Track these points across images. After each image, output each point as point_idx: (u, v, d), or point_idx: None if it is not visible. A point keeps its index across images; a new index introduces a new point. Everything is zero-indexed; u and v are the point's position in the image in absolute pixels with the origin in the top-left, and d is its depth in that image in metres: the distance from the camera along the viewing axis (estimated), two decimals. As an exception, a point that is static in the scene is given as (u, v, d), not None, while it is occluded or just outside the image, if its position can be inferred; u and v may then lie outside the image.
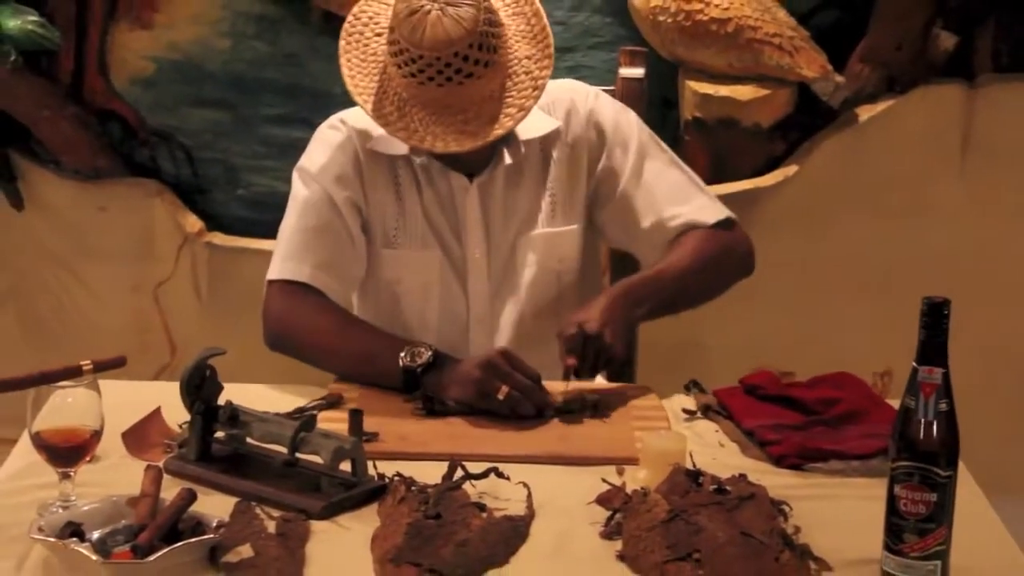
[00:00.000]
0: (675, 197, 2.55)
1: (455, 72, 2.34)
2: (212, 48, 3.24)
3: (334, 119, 2.62)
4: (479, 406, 2.30)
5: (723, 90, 3.14)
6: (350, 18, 2.49)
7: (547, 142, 2.57)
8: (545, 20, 2.45)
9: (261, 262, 3.19)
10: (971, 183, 3.24)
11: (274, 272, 2.54)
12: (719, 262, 2.52)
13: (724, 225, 2.55)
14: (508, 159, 2.54)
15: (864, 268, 3.24)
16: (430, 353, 2.37)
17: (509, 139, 2.53)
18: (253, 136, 3.28)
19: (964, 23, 3.18)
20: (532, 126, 2.54)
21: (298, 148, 3.23)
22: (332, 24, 3.21)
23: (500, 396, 2.27)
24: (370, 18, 2.47)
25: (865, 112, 3.21)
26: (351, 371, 2.45)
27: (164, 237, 3.27)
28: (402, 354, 2.38)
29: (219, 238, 3.29)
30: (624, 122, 2.60)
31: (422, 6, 2.33)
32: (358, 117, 2.57)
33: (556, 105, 2.58)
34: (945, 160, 3.23)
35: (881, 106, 3.21)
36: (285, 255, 2.55)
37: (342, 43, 2.48)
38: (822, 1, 3.22)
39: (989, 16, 3.20)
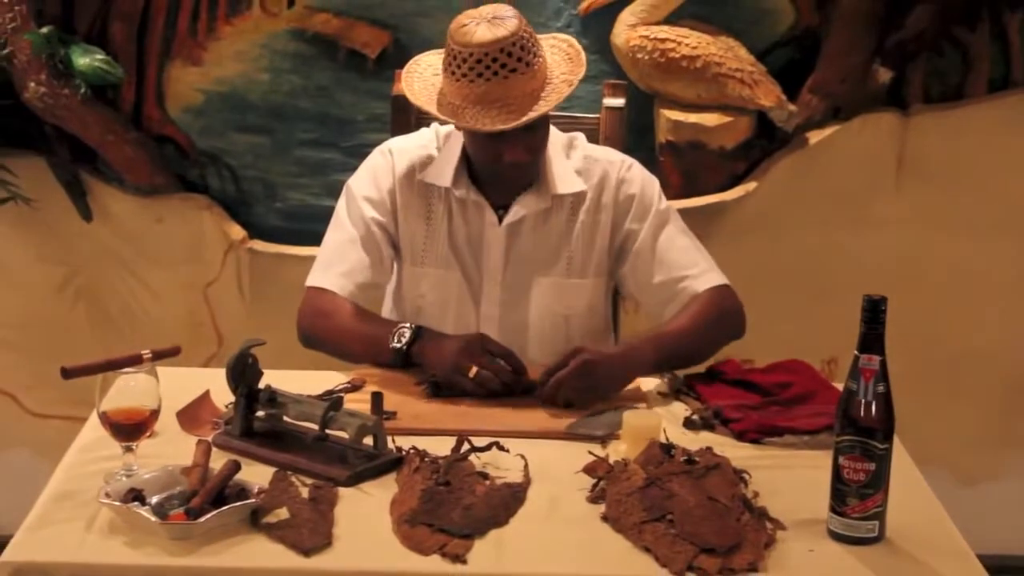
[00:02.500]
0: (683, 261, 2.52)
1: (500, 67, 2.34)
2: (254, 81, 3.24)
3: (384, 146, 2.62)
4: (453, 381, 2.29)
5: (692, 117, 3.14)
6: (410, 64, 2.52)
7: (577, 202, 2.54)
8: (579, 50, 2.48)
9: (295, 265, 3.21)
10: (905, 198, 3.24)
11: (309, 279, 2.55)
12: (715, 325, 2.47)
13: (721, 290, 2.51)
14: (538, 206, 2.53)
15: (813, 270, 3.24)
16: (411, 332, 2.38)
17: (542, 189, 2.52)
18: (289, 157, 3.29)
19: (899, 61, 3.19)
20: (565, 183, 2.53)
21: (329, 167, 3.26)
22: (356, 61, 3.21)
23: (471, 375, 2.27)
24: (428, 64, 2.50)
25: (814, 136, 3.21)
26: (363, 357, 2.45)
27: (212, 244, 3.27)
28: (391, 337, 2.39)
29: (259, 245, 3.29)
30: (648, 192, 2.56)
31: (472, 21, 2.37)
32: (406, 148, 2.58)
33: (592, 171, 2.56)
34: (882, 178, 3.23)
35: (828, 131, 3.20)
36: (319, 264, 2.56)
37: (404, 75, 2.50)
38: (777, 41, 3.22)
39: (920, 55, 3.20)
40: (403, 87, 2.49)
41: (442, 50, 2.43)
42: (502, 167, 2.46)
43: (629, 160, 2.61)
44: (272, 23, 3.21)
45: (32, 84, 3.07)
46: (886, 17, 3.15)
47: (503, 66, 2.34)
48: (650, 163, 3.03)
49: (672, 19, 3.13)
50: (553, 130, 2.56)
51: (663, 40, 3.08)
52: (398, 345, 2.38)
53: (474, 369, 2.27)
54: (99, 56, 3.10)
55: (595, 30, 3.16)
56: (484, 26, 2.35)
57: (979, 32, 3.19)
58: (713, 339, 2.48)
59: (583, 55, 2.46)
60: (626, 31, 3.11)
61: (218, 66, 3.23)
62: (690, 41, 3.09)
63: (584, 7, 3.16)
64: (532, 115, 2.37)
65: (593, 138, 2.78)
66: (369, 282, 2.54)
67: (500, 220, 2.54)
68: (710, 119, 3.14)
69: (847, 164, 3.21)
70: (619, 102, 2.85)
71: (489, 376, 2.27)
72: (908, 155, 3.22)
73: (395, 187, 2.56)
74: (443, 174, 2.53)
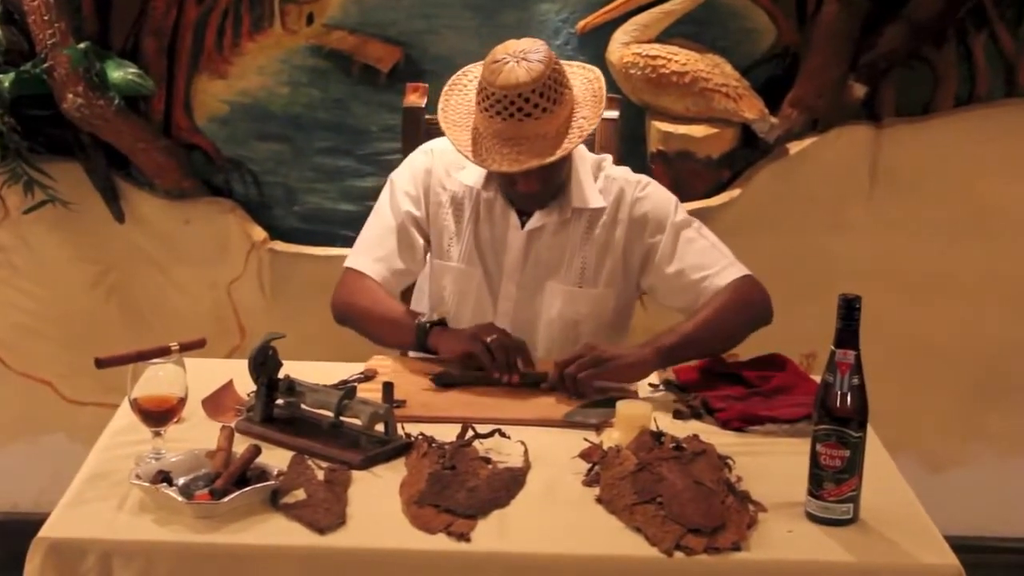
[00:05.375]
0: (703, 262, 2.49)
1: (517, 110, 2.33)
2: (274, 93, 3.23)
3: (427, 145, 2.62)
4: (469, 349, 2.31)
5: (681, 129, 3.13)
6: (458, 74, 2.52)
7: (595, 216, 2.52)
8: (604, 91, 2.45)
9: (313, 264, 3.21)
10: (877, 204, 3.23)
11: (348, 261, 2.57)
12: (737, 314, 2.43)
13: (744, 280, 2.48)
14: (559, 217, 2.51)
15: (792, 270, 3.23)
16: (437, 317, 2.42)
17: (563, 202, 2.50)
18: (307, 164, 3.28)
19: (872, 76, 3.18)
20: (586, 198, 2.51)
21: (343, 173, 3.25)
22: (370, 75, 3.20)
23: (488, 340, 2.29)
24: (475, 76, 2.46)
25: (794, 147, 3.20)
26: (385, 338, 2.47)
27: (236, 244, 3.27)
28: (417, 317, 2.42)
29: (279, 245, 3.28)
30: (663, 208, 2.52)
31: (504, 58, 2.34)
32: (446, 151, 2.56)
33: (610, 190, 2.53)
34: (857, 185, 3.22)
35: (806, 142, 3.20)
36: (358, 248, 2.58)
37: (446, 87, 2.50)
38: (760, 58, 3.22)
39: (892, 71, 3.19)
40: (440, 100, 2.48)
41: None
42: (516, 191, 2.46)
43: (646, 180, 2.58)
44: (292, 40, 3.20)
45: (70, 96, 3.06)
46: (860, 36, 3.14)
47: (519, 109, 2.32)
48: (642, 171, 3.03)
49: (663, 38, 3.12)
50: (584, 150, 2.53)
51: (654, 57, 3.08)
52: (422, 321, 2.40)
53: (492, 335, 2.29)
54: (132, 70, 3.10)
55: (591, 47, 3.16)
56: (512, 66, 2.32)
57: (946, 50, 3.19)
58: (736, 327, 2.44)
59: (604, 102, 2.43)
60: (620, 48, 3.10)
61: (242, 79, 3.23)
62: (679, 58, 3.08)
63: (581, 26, 3.15)
64: (537, 163, 2.34)
65: (590, 147, 2.77)
66: (402, 269, 2.56)
67: (523, 224, 2.53)
68: (697, 130, 3.13)
69: (824, 173, 3.20)
70: (613, 114, 2.84)
71: (501, 344, 2.28)
72: (880, 164, 3.21)
73: (430, 184, 2.57)
74: (475, 175, 2.53)
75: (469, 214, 2.55)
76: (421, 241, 2.57)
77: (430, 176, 2.57)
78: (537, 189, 2.45)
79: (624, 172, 2.59)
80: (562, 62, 2.41)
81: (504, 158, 2.35)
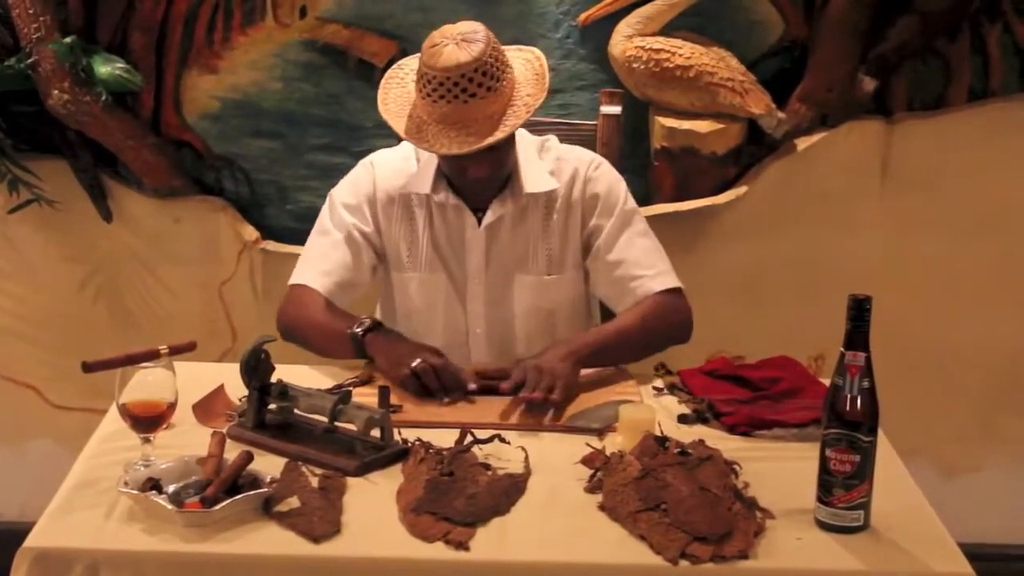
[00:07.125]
0: (642, 261, 2.52)
1: (461, 91, 2.33)
2: (267, 89, 3.23)
3: (367, 159, 2.63)
4: (392, 373, 2.29)
5: (685, 124, 3.13)
6: (394, 67, 2.53)
7: (550, 200, 2.54)
8: (546, 69, 2.45)
9: (307, 265, 3.20)
10: (888, 202, 3.23)
11: (291, 278, 2.57)
12: (658, 328, 2.47)
13: (673, 295, 2.51)
14: (514, 206, 2.52)
15: (801, 270, 3.23)
16: (369, 321, 2.39)
17: (516, 190, 2.51)
18: (300, 162, 3.28)
19: (883, 70, 3.18)
20: (538, 182, 2.52)
21: (338, 171, 3.23)
22: (366, 70, 3.20)
23: (412, 365, 2.26)
24: (412, 69, 2.47)
25: (802, 143, 3.20)
26: (328, 350, 2.45)
27: (227, 244, 3.27)
28: (351, 325, 2.39)
29: (272, 245, 3.28)
30: (615, 191, 2.56)
31: (442, 41, 2.34)
32: (388, 161, 2.59)
33: (563, 170, 2.56)
34: (867, 183, 3.22)
35: (815, 138, 3.20)
36: (300, 265, 2.58)
37: (383, 81, 2.50)
38: (767, 52, 3.22)
39: (903, 64, 3.19)
40: (379, 95, 2.48)
41: None
42: (467, 180, 2.46)
43: (598, 159, 2.61)
44: (285, 34, 3.20)
45: (56, 91, 3.06)
46: (871, 29, 3.14)
47: (463, 90, 2.33)
48: (645, 168, 3.04)
49: (667, 31, 3.12)
50: (525, 133, 2.56)
51: (658, 51, 3.08)
52: (354, 331, 2.38)
53: (417, 360, 2.27)
54: (120, 65, 3.10)
55: (593, 41, 3.16)
56: (451, 48, 2.32)
57: (959, 43, 3.19)
58: (654, 341, 2.48)
59: (547, 76, 2.44)
60: (623, 42, 3.10)
61: (233, 74, 3.23)
62: (684, 51, 3.09)
63: (583, 19, 3.15)
64: (488, 141, 2.35)
65: (591, 144, 2.78)
66: (347, 281, 2.54)
67: (479, 222, 2.53)
68: (703, 126, 3.13)
69: (834, 169, 3.20)
70: (616, 109, 2.85)
71: (425, 368, 2.26)
72: (892, 161, 3.21)
73: (375, 196, 2.57)
74: (423, 182, 2.53)
75: (423, 221, 2.55)
76: (369, 252, 2.56)
77: (374, 188, 2.57)
78: (488, 174, 2.45)
79: (577, 152, 2.61)
80: (500, 46, 2.42)
81: (452, 141, 2.35)
